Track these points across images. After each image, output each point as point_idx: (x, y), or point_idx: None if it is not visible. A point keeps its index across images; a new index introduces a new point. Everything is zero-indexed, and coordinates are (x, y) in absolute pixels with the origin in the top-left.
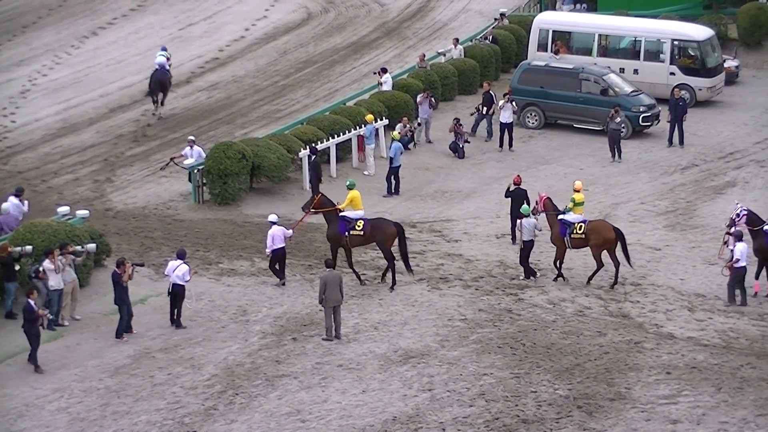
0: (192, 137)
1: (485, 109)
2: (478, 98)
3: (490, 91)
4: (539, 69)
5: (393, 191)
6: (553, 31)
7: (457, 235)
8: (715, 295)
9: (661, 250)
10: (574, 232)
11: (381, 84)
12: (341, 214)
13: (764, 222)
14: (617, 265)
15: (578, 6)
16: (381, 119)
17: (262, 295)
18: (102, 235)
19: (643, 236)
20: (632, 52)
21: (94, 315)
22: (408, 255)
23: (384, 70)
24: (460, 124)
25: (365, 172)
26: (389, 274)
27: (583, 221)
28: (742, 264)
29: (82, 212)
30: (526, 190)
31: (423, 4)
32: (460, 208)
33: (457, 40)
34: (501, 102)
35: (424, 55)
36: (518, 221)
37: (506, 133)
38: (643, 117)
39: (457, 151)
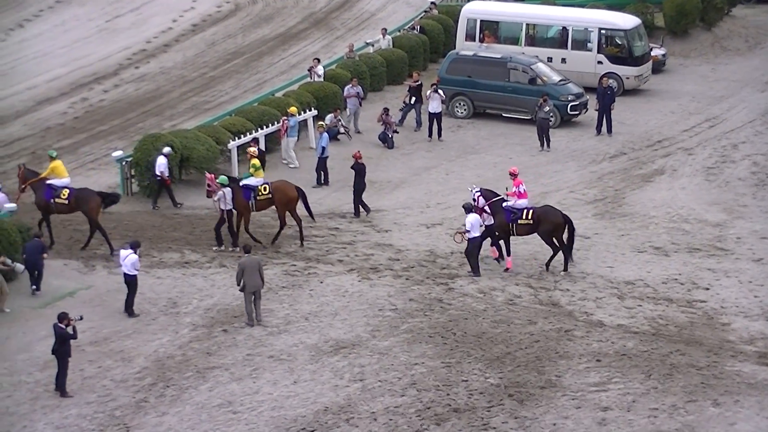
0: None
1: (414, 99)
2: (406, 88)
3: (419, 82)
4: (467, 59)
5: (322, 182)
6: (481, 21)
7: (387, 225)
8: (644, 283)
9: (591, 238)
10: (259, 194)
11: (318, 75)
12: (48, 182)
13: (498, 196)
14: (299, 222)
15: None
16: (309, 110)
17: (192, 287)
18: (30, 229)
19: None
20: (560, 41)
21: (23, 309)
22: (103, 230)
23: (318, 60)
24: (389, 114)
25: (290, 165)
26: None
27: (266, 183)
28: (473, 235)
29: (10, 206)
30: (364, 165)
31: None
32: (389, 198)
33: (385, 30)
34: (429, 92)
35: (353, 46)
36: (221, 191)
37: (435, 123)
38: (571, 106)
39: (386, 141)
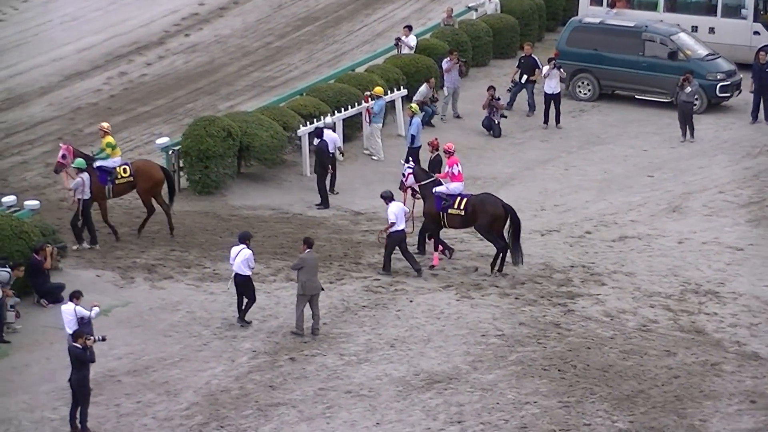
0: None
1: (525, 77)
2: (515, 63)
3: (532, 55)
4: (593, 27)
5: None
6: None
7: None
8: None
9: (744, 250)
10: (118, 176)
11: (408, 46)
12: None
13: (431, 177)
14: (168, 210)
15: None
16: (399, 89)
17: (254, 305)
18: (55, 231)
19: (721, 233)
20: (707, 6)
21: (46, 329)
22: None
23: (409, 28)
24: (497, 97)
25: (373, 157)
26: None
27: (126, 164)
28: (398, 227)
29: (32, 203)
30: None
31: None
32: None
33: None
34: (546, 68)
35: (452, 10)
36: (78, 178)
37: (552, 106)
38: (720, 86)
39: (491, 128)
